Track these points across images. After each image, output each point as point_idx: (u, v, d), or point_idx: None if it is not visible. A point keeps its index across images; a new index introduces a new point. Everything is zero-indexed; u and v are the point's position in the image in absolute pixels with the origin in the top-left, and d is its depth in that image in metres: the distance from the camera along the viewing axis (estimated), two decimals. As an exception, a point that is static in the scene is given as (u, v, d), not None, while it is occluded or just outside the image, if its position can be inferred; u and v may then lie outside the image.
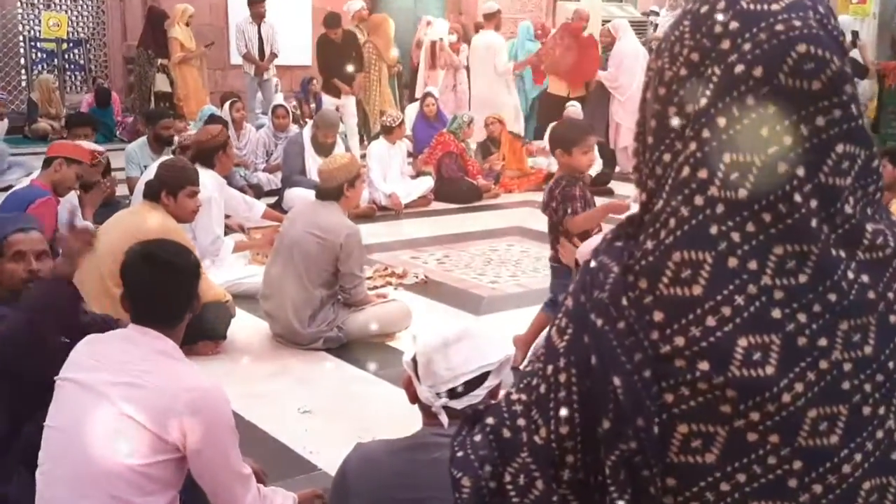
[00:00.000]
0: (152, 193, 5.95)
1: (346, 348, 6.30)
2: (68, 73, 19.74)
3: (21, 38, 18.80)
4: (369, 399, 5.50)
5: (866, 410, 1.30)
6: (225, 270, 7.26)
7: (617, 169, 13.58)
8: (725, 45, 1.31)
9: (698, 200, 1.31)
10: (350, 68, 13.63)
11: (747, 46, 1.29)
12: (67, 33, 18.93)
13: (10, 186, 8.69)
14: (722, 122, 1.30)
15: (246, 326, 6.66)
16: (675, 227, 1.32)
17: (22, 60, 18.73)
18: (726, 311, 1.28)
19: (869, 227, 1.33)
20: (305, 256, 6.21)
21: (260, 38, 15.30)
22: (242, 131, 12.37)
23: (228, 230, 8.04)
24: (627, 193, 11.79)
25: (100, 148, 8.26)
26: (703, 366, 1.28)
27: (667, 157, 1.38)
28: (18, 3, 18.62)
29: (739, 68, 1.29)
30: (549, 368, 1.42)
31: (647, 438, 1.31)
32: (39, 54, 19.42)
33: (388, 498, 2.80)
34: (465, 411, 2.69)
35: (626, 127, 13.28)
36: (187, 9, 15.77)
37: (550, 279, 5.90)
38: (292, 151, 11.12)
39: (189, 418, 3.06)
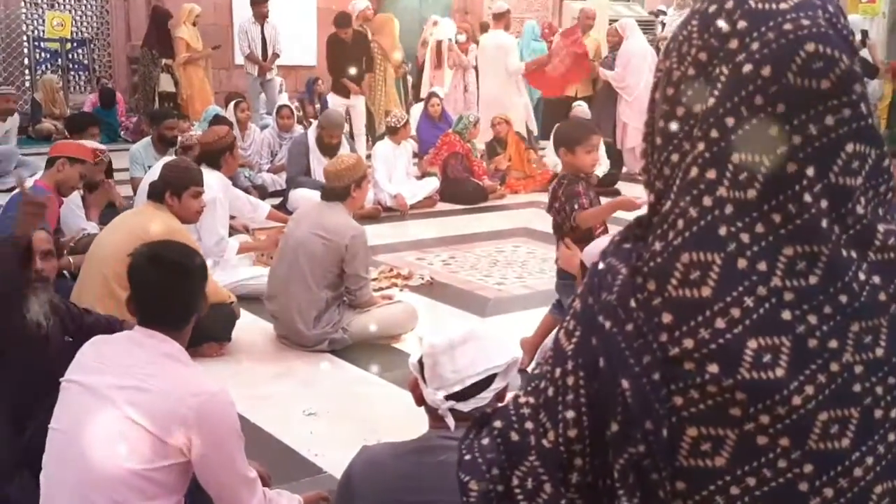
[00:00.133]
0: (156, 194, 5.94)
1: (352, 350, 6.28)
2: (72, 72, 19.72)
3: (25, 37, 18.79)
4: (375, 401, 5.49)
5: (878, 413, 1.29)
6: (229, 272, 7.25)
7: (624, 169, 13.57)
8: (733, 44, 1.31)
9: (707, 201, 1.30)
10: (352, 71, 13.59)
11: (755, 46, 1.28)
12: (71, 33, 18.92)
13: (14, 188, 8.69)
14: (730, 121, 1.29)
15: (251, 328, 6.65)
16: (683, 228, 1.31)
17: (26, 60, 18.71)
18: (736, 312, 1.27)
19: (881, 227, 1.32)
20: (310, 258, 6.20)
21: (263, 39, 15.27)
22: (247, 132, 12.36)
23: (233, 231, 8.03)
24: (635, 194, 11.78)
25: (101, 146, 8.26)
26: (713, 368, 1.27)
27: (675, 157, 1.37)
28: (22, 3, 18.61)
29: (748, 68, 1.28)
30: (557, 371, 1.41)
31: (655, 442, 1.30)
32: (43, 54, 19.41)
33: (393, 501, 2.79)
34: (472, 414, 2.69)
35: (633, 127, 13.23)
36: (194, 8, 15.71)
37: (556, 281, 5.87)
38: (297, 152, 11.11)
39: (194, 423, 3.05)
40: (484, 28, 18.09)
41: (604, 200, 6.09)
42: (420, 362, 2.85)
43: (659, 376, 1.30)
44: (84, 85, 19.77)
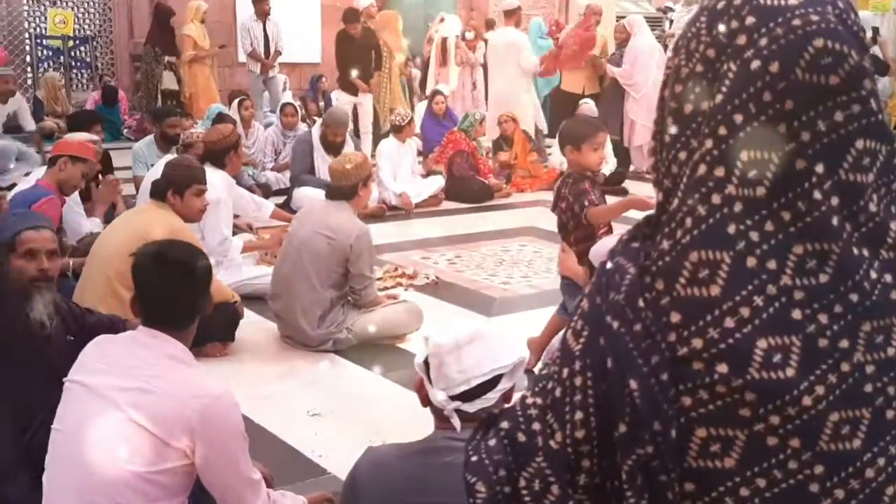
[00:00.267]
0: (159, 193, 5.93)
1: (356, 350, 6.27)
2: (74, 70, 19.75)
3: (27, 35, 18.83)
4: (379, 402, 5.48)
5: (890, 414, 1.28)
6: (233, 271, 7.24)
7: (631, 168, 13.54)
8: (742, 40, 1.30)
9: (715, 199, 1.29)
10: (354, 73, 13.56)
11: (764, 42, 1.27)
12: (74, 30, 18.94)
13: (14, 185, 8.70)
14: (738, 118, 1.28)
15: (254, 328, 6.64)
16: (691, 226, 1.30)
17: (28, 58, 18.76)
18: (745, 312, 1.26)
19: (893, 225, 1.31)
20: (315, 257, 6.19)
21: (265, 36, 15.26)
22: (251, 130, 12.37)
23: (237, 230, 8.03)
24: (642, 193, 11.76)
25: (94, 136, 8.26)
26: (722, 368, 1.26)
27: (682, 155, 1.36)
28: (24, 0, 18.64)
29: (756, 64, 1.27)
30: (565, 371, 1.40)
31: (664, 443, 1.29)
32: (45, 51, 19.44)
33: (399, 503, 2.78)
34: (478, 415, 2.67)
35: (641, 125, 13.20)
36: (201, 5, 15.63)
37: (560, 281, 5.84)
38: (301, 150, 11.12)
39: (198, 425, 3.03)
40: (490, 25, 18.08)
41: (610, 199, 6.07)
42: (426, 362, 2.84)
43: (667, 376, 1.29)
44: (86, 83, 19.80)
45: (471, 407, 2.75)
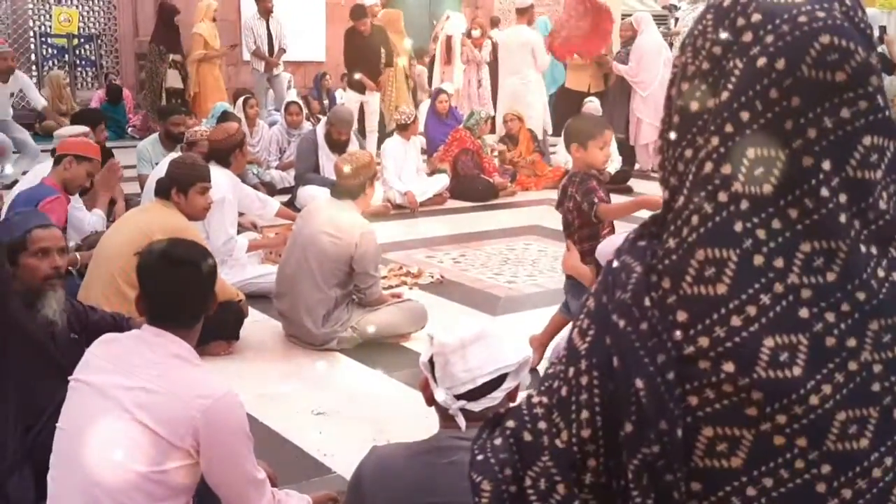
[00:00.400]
0: (163, 191, 5.93)
1: (361, 349, 6.27)
2: (79, 69, 19.77)
3: (32, 33, 18.86)
4: (384, 401, 5.47)
5: None
6: (238, 270, 7.24)
7: (636, 166, 13.51)
8: (748, 37, 1.29)
9: (722, 197, 1.29)
10: (357, 76, 13.54)
11: (770, 38, 1.27)
12: (78, 29, 18.95)
13: (16, 181, 8.71)
14: (745, 116, 1.28)
15: (259, 326, 6.64)
16: (698, 224, 1.30)
17: (32, 56, 18.78)
18: (752, 310, 1.26)
19: None
20: (319, 256, 6.19)
21: (269, 34, 15.24)
22: (255, 128, 12.36)
23: (241, 228, 8.02)
24: (648, 191, 11.75)
25: (84, 129, 8.27)
26: (729, 367, 1.26)
27: (688, 152, 1.35)
28: (29, -1, 18.71)
29: (762, 61, 1.27)
30: (571, 371, 1.40)
31: (670, 442, 1.29)
32: (50, 50, 19.47)
33: (404, 502, 2.77)
34: (483, 414, 2.67)
35: (647, 123, 13.18)
36: (211, 4, 15.56)
37: (564, 280, 5.83)
38: (306, 149, 11.11)
39: (203, 425, 3.03)
40: (495, 22, 18.06)
41: (615, 198, 6.06)
42: (430, 362, 2.83)
43: (674, 375, 1.29)
44: (91, 81, 19.82)
45: (476, 406, 2.75)
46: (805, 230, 1.26)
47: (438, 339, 2.80)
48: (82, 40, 19.85)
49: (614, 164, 11.64)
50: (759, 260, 1.26)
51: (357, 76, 13.55)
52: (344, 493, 3.41)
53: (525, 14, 14.22)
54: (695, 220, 1.30)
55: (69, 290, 4.60)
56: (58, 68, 18.56)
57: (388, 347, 6.32)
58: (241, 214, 8.01)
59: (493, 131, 13.90)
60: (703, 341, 1.27)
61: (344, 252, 6.15)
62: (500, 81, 14.57)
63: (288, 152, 12.22)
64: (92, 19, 19.82)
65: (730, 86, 1.30)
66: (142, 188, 8.97)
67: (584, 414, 1.37)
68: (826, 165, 1.26)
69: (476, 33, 15.83)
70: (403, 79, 15.40)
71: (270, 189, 11.07)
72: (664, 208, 1.41)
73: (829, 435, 1.25)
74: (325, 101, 17.77)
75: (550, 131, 14.30)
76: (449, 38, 15.91)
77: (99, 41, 19.96)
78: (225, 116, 10.54)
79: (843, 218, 1.26)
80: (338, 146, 10.57)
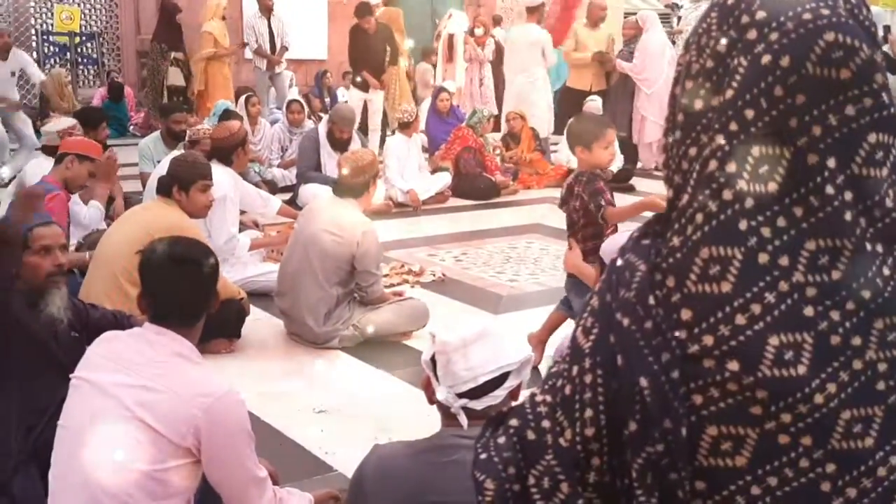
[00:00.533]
0: (165, 189, 5.93)
1: (363, 347, 6.27)
2: (81, 67, 19.77)
3: (33, 31, 18.86)
4: (386, 399, 5.47)
5: None
6: (239, 268, 7.24)
7: (639, 165, 13.49)
8: (752, 35, 1.29)
9: (727, 195, 1.28)
10: (358, 80, 13.52)
11: (774, 36, 1.27)
12: (80, 27, 18.95)
13: (11, 180, 8.71)
14: (750, 114, 1.27)
15: (261, 324, 6.64)
16: (702, 222, 1.30)
17: (34, 54, 18.77)
18: (756, 308, 1.25)
19: None
20: (321, 254, 6.18)
21: (271, 32, 15.20)
22: (257, 126, 12.34)
23: (243, 227, 8.01)
24: (649, 190, 11.73)
25: (72, 121, 8.28)
26: (733, 366, 1.25)
27: (692, 150, 1.35)
28: (31, -4, 18.72)
29: (766, 58, 1.26)
30: (575, 369, 1.39)
31: (674, 441, 1.28)
32: (52, 48, 19.47)
33: (406, 501, 2.77)
34: (485, 412, 2.66)
35: (651, 121, 13.14)
36: (221, 2, 15.43)
37: (566, 279, 5.82)
38: (307, 147, 11.09)
39: (204, 424, 3.03)
40: (497, 21, 18.03)
41: (617, 196, 6.04)
42: (432, 360, 2.82)
43: (678, 374, 1.28)
44: (93, 79, 19.83)
45: (478, 404, 2.74)
46: (810, 228, 1.26)
47: (440, 338, 2.80)
48: (84, 38, 19.86)
49: (616, 162, 11.61)
50: (763, 258, 1.26)
51: (358, 80, 13.52)
52: (345, 492, 3.40)
53: (535, 13, 14.16)
54: (699, 218, 1.30)
55: (70, 288, 4.61)
56: (59, 66, 18.54)
57: (390, 346, 6.31)
58: (242, 213, 8.01)
59: (496, 130, 13.87)
60: (708, 340, 1.27)
61: (346, 250, 6.15)
62: (507, 80, 14.52)
63: (289, 150, 12.21)
64: (93, 17, 19.83)
65: (734, 84, 1.29)
66: (143, 186, 8.97)
67: (588, 412, 1.36)
68: (831, 163, 1.25)
69: (479, 32, 15.80)
70: (406, 77, 15.38)
71: (272, 187, 11.05)
72: (668, 206, 1.40)
73: (834, 434, 1.25)
74: (327, 99, 17.75)
75: (552, 130, 14.27)
76: (451, 37, 15.88)
77: (100, 39, 19.97)
78: (227, 114, 10.53)
79: (848, 216, 1.26)
80: (340, 144, 10.56)
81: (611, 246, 4.44)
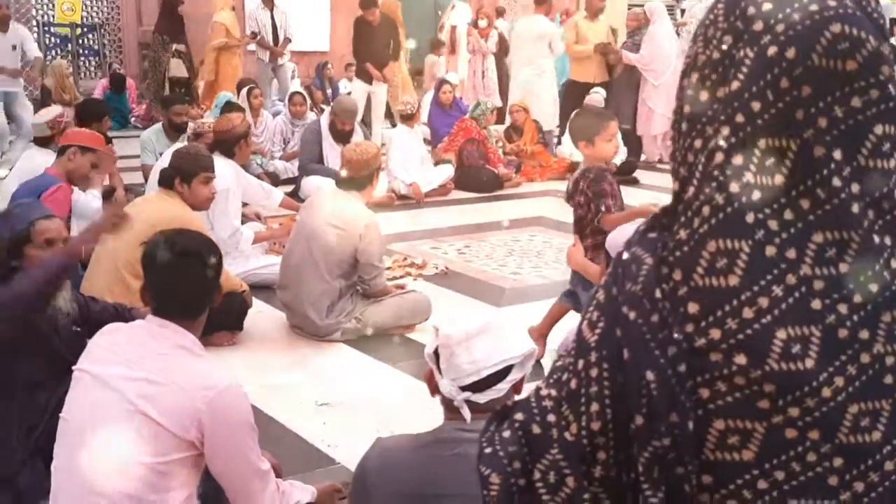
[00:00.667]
0: (167, 181, 5.94)
1: (365, 340, 6.27)
2: (82, 58, 19.77)
3: (35, 22, 18.84)
4: (388, 392, 5.47)
5: None
6: (241, 260, 7.24)
7: (643, 157, 13.46)
8: (758, 26, 1.28)
9: (734, 187, 1.27)
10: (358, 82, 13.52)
11: (780, 27, 1.26)
12: (81, 18, 18.94)
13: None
14: (756, 106, 1.27)
15: (263, 317, 6.65)
16: (709, 215, 1.29)
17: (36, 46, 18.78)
18: (764, 302, 1.25)
19: None
20: (324, 247, 6.18)
21: (273, 24, 15.17)
22: (259, 118, 12.33)
23: (245, 219, 8.01)
24: (654, 183, 11.74)
25: (59, 109, 8.31)
26: (740, 359, 1.25)
27: (698, 143, 1.34)
28: (32, -13, 18.70)
29: (772, 50, 1.26)
30: (580, 363, 1.38)
31: (681, 435, 1.28)
32: (53, 39, 19.47)
33: (409, 495, 2.76)
34: (488, 406, 2.66)
35: (659, 114, 13.13)
36: None
37: (570, 271, 5.81)
38: (310, 139, 11.09)
39: (207, 417, 3.03)
40: (500, 13, 18.01)
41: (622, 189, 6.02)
42: (436, 353, 2.81)
43: (685, 368, 1.28)
44: (94, 70, 19.83)
45: (481, 398, 2.73)
46: (817, 220, 1.25)
47: (443, 331, 2.79)
48: (85, 30, 19.86)
49: (620, 154, 11.59)
50: (771, 251, 1.25)
51: (359, 83, 13.51)
52: (348, 484, 3.40)
53: (543, 4, 14.11)
54: (706, 210, 1.29)
55: (72, 281, 4.61)
56: (61, 58, 18.53)
57: (392, 339, 6.32)
58: (245, 205, 8.00)
59: (499, 122, 13.85)
60: (715, 333, 1.26)
61: (348, 243, 6.15)
62: (512, 71, 14.49)
63: (292, 142, 12.20)
64: (95, 8, 19.83)
65: (740, 75, 1.29)
66: (145, 178, 8.98)
67: (594, 406, 1.36)
68: (837, 155, 1.24)
69: (482, 23, 15.77)
70: (406, 70, 15.37)
71: (274, 179, 11.05)
72: (674, 199, 1.40)
73: (842, 428, 1.24)
74: (329, 91, 17.75)
75: (557, 122, 14.24)
76: (454, 28, 15.86)
77: (102, 30, 19.96)
78: (229, 106, 10.53)
79: (855, 208, 1.25)
80: (342, 136, 10.56)
81: (616, 239, 4.43)
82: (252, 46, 15.79)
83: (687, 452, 1.28)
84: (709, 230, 1.28)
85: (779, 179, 1.25)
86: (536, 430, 1.44)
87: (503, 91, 15.29)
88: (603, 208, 5.45)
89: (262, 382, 5.36)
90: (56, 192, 6.35)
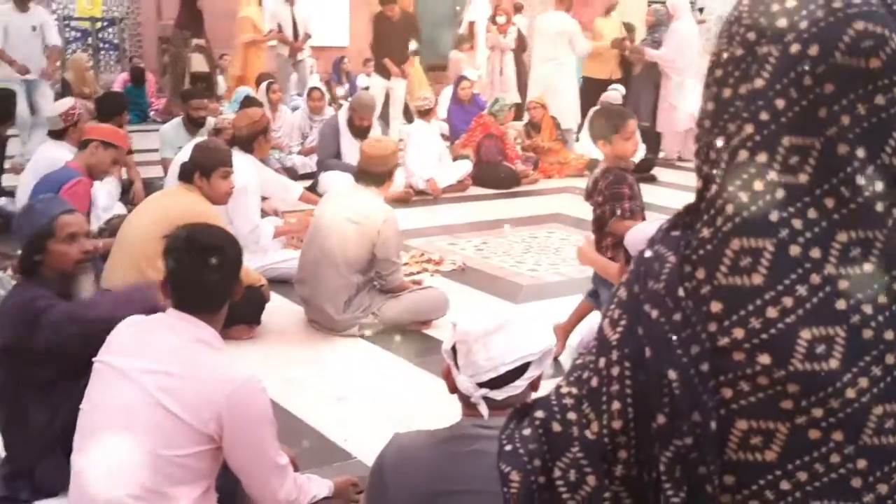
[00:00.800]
0: (186, 175, 5.95)
1: (382, 335, 6.27)
2: (102, 52, 19.83)
3: (55, 16, 18.90)
4: (405, 387, 5.48)
5: None
6: (260, 255, 7.24)
7: (661, 154, 13.40)
8: (781, 23, 1.27)
9: (758, 185, 1.27)
10: (390, 54, 13.46)
11: (804, 24, 1.25)
12: (101, 12, 18.99)
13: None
14: (780, 103, 1.26)
15: (281, 311, 6.65)
16: (733, 213, 1.28)
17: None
18: (788, 301, 1.24)
19: None
20: (341, 241, 6.18)
21: (293, 19, 15.16)
22: (278, 113, 12.33)
23: (263, 214, 8.02)
24: (672, 181, 11.70)
25: (70, 101, 8.38)
26: (764, 359, 1.24)
27: (721, 140, 1.33)
28: (53, -19, 18.77)
29: (795, 47, 1.25)
30: (602, 361, 1.38)
31: (703, 435, 1.27)
32: (74, 33, 19.54)
33: (426, 491, 2.76)
34: (506, 402, 2.66)
35: (680, 110, 13.06)
36: None
37: (594, 270, 5.77)
38: (328, 134, 11.09)
39: (226, 411, 3.04)
40: (518, 8, 17.97)
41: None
42: (453, 349, 2.81)
43: (707, 367, 1.27)
44: (114, 64, 19.89)
45: (498, 394, 2.73)
46: (841, 219, 1.24)
47: (461, 327, 2.79)
48: (105, 23, 19.92)
49: (638, 152, 11.56)
50: (795, 250, 1.24)
51: (377, 78, 13.47)
52: (364, 478, 3.40)
53: (564, 0, 14.08)
54: (729, 209, 1.29)
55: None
56: (81, 51, 18.59)
57: (409, 334, 6.32)
58: (264, 199, 8.01)
59: (517, 119, 13.81)
60: (738, 332, 1.25)
61: (366, 238, 6.15)
62: (533, 67, 14.45)
63: (310, 137, 12.20)
64: (115, 3, 19.92)
65: (764, 73, 1.28)
66: (165, 172, 8.99)
67: (616, 405, 1.35)
68: (861, 153, 1.24)
69: (501, 19, 15.73)
70: (420, 67, 15.35)
71: (292, 174, 11.05)
72: (697, 197, 1.39)
73: (866, 429, 1.23)
74: (346, 86, 17.75)
75: (579, 120, 14.18)
76: (472, 24, 15.83)
77: (122, 25, 20.02)
78: (248, 101, 10.53)
79: (879, 207, 1.24)
80: (360, 132, 10.56)
81: (635, 237, 4.40)
82: (272, 41, 15.77)
83: (709, 452, 1.27)
84: (732, 228, 1.28)
85: (802, 178, 1.25)
86: (557, 427, 1.44)
87: (521, 87, 15.25)
88: (618, 212, 5.42)
89: (279, 376, 5.36)
90: (76, 185, 6.36)
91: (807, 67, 1.24)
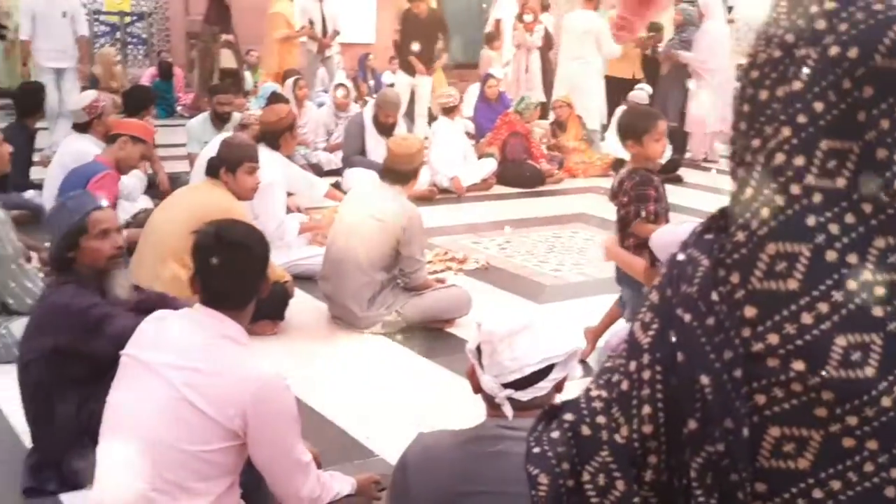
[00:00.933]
0: (212, 170, 5.96)
1: (405, 333, 6.26)
2: (130, 46, 19.90)
3: (85, 10, 18.96)
4: (427, 385, 5.47)
5: None
6: (284, 251, 7.24)
7: (688, 155, 13.33)
8: (821, 25, 1.26)
9: (794, 189, 1.25)
10: (416, 47, 13.41)
11: (843, 27, 1.24)
12: (130, 6, 19.04)
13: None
14: (819, 106, 1.24)
15: (304, 307, 6.64)
16: (768, 217, 1.27)
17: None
18: (824, 307, 1.22)
19: None
20: (365, 239, 6.18)
21: (322, 16, 15.15)
22: (303, 109, 12.32)
23: (287, 210, 8.02)
24: (698, 182, 11.65)
25: (94, 93, 8.51)
26: (798, 366, 1.22)
27: (756, 142, 1.32)
28: (82, -24, 18.80)
29: (835, 50, 1.23)
30: (633, 365, 1.36)
31: (735, 441, 1.26)
32: (102, 27, 19.61)
33: (449, 491, 2.75)
34: (531, 403, 2.64)
35: (710, 111, 12.96)
36: None
37: (615, 271, 5.74)
38: (353, 131, 11.09)
39: (251, 407, 3.04)
40: (545, 7, 17.92)
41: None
42: (478, 349, 2.80)
43: (740, 373, 1.26)
44: (142, 59, 19.96)
45: (523, 395, 2.71)
46: (879, 225, 1.23)
47: (486, 327, 2.77)
48: (134, 18, 19.99)
49: (665, 153, 11.47)
50: (831, 256, 1.23)
51: (415, 50, 13.40)
52: (386, 476, 3.39)
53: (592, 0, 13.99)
54: (765, 213, 1.27)
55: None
56: (109, 45, 18.65)
57: (432, 332, 6.30)
58: (289, 195, 8.01)
59: (542, 117, 13.77)
60: (773, 338, 1.24)
61: (390, 236, 6.14)
62: (558, 66, 14.40)
63: (335, 134, 12.20)
64: (143, -3, 19.96)
65: (802, 75, 1.26)
66: (191, 166, 9.00)
67: (646, 409, 1.34)
68: None
69: (528, 18, 15.68)
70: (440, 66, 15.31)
71: (317, 170, 11.05)
72: (731, 200, 1.38)
73: None
74: (371, 82, 17.74)
75: (604, 120, 14.10)
76: (498, 22, 15.79)
77: (150, 19, 20.09)
78: (274, 97, 10.54)
79: None
80: (385, 129, 10.55)
81: (660, 238, 4.37)
82: (302, 38, 15.76)
83: (741, 459, 1.26)
84: (768, 233, 1.26)
85: (840, 182, 1.23)
86: (586, 431, 1.42)
87: (547, 86, 15.20)
88: (643, 213, 5.37)
89: (302, 373, 5.36)
90: (103, 178, 6.40)
91: (846, 70, 1.23)
